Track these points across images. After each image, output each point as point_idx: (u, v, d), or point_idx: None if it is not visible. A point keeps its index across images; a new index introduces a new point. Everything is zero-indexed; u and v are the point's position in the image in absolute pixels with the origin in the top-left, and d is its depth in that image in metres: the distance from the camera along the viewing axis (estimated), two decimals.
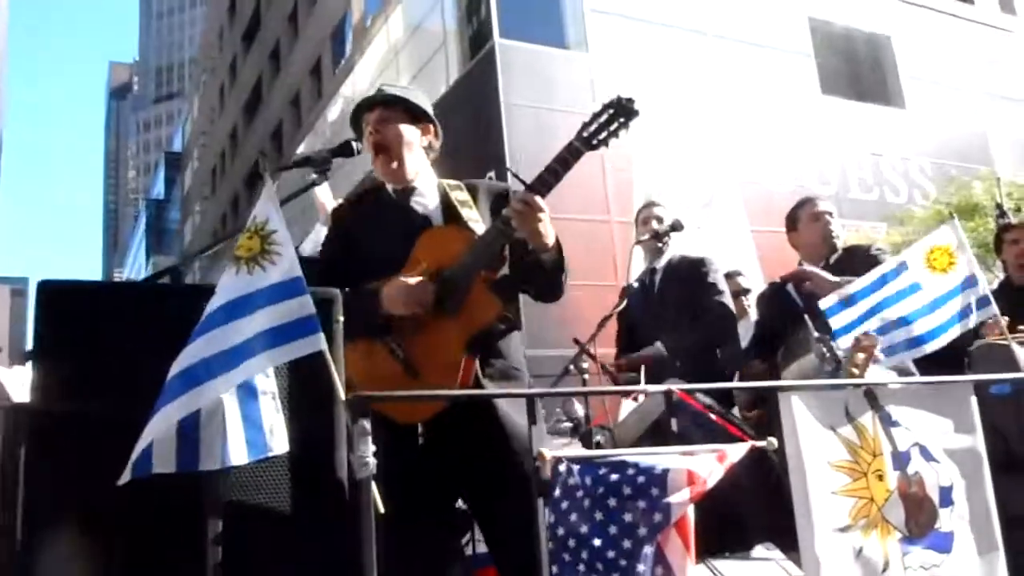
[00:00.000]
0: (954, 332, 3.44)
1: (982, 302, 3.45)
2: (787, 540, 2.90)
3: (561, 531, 2.20)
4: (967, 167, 17.86)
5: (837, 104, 18.28)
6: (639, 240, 4.66)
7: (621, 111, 2.44)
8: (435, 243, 2.54)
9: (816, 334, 3.22)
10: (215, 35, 41.41)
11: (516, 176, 2.54)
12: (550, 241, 2.47)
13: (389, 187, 2.69)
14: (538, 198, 2.38)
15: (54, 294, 1.79)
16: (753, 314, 5.27)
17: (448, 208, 2.62)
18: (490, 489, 2.43)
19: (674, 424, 3.20)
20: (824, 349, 3.14)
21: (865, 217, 16.42)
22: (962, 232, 3.57)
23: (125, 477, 1.63)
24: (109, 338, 1.79)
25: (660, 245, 4.54)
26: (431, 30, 17.37)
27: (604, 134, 2.45)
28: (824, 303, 3.43)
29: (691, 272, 4.41)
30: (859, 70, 19.49)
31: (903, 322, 3.39)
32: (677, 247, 4.61)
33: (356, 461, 2.00)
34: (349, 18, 22.61)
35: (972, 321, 3.48)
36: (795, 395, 2.52)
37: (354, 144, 2.47)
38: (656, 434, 3.10)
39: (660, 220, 4.57)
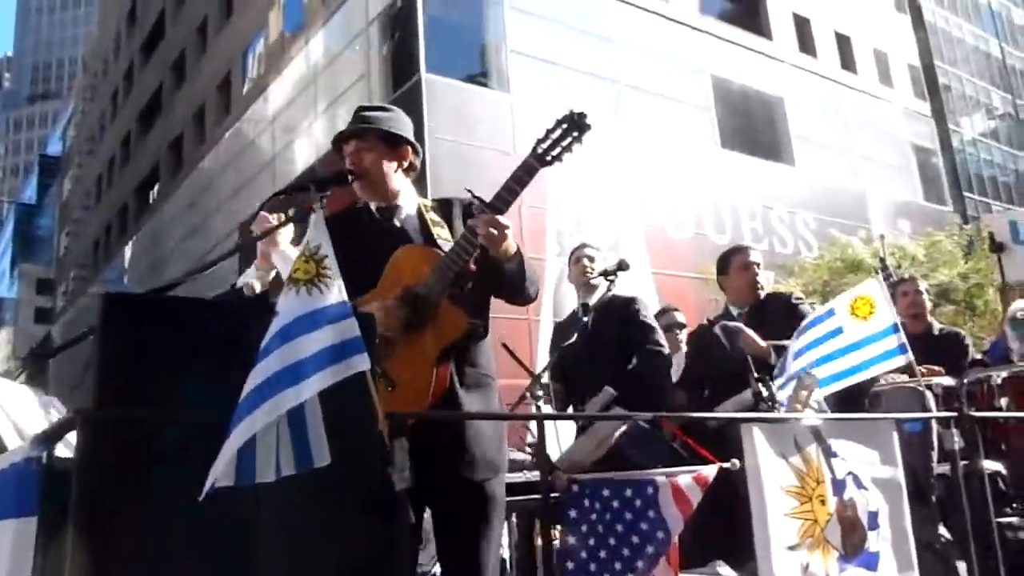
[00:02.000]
0: (871, 372, 3.81)
1: (901, 348, 3.78)
2: (738, 557, 3.22)
3: (579, 550, 2.47)
4: (847, 224, 19.33)
5: (734, 158, 19.49)
6: (588, 279, 4.60)
7: (574, 126, 2.49)
8: (406, 262, 2.60)
9: (756, 374, 3.53)
10: (110, 39, 39.88)
11: (476, 197, 2.60)
12: (512, 251, 2.56)
13: (372, 205, 2.73)
14: (499, 217, 2.48)
15: (117, 306, 1.86)
16: (684, 349, 5.44)
17: (424, 227, 2.71)
18: (448, 503, 2.50)
19: (628, 448, 3.54)
20: (762, 388, 3.48)
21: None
22: (885, 286, 3.96)
23: (208, 488, 1.68)
24: (168, 349, 1.85)
25: (600, 283, 4.50)
26: (353, 57, 17.49)
27: (558, 150, 2.49)
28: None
29: (623, 311, 4.50)
30: (754, 127, 20.82)
31: (825, 360, 3.74)
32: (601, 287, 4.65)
33: (396, 475, 2.09)
34: (265, 36, 22.37)
35: (890, 365, 3.84)
36: (755, 426, 2.82)
37: (342, 174, 2.46)
38: (611, 459, 3.40)
39: (592, 259, 4.66)
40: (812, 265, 14.78)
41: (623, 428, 3.51)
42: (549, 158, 2.48)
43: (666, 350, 4.55)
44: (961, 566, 3.52)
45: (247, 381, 1.76)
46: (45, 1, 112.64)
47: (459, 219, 2.72)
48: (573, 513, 2.65)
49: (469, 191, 2.68)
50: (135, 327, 1.83)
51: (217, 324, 1.96)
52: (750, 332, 4.03)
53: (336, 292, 1.91)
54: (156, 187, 31.09)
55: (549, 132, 2.50)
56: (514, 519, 3.63)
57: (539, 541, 3.72)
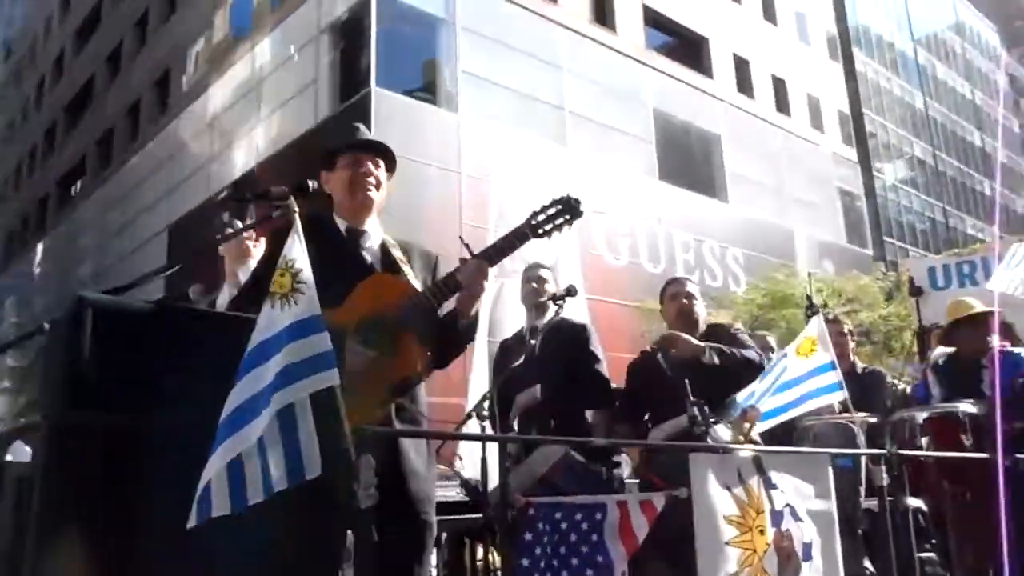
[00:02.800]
0: (809, 406, 3.94)
1: (838, 385, 3.96)
2: None
3: (531, 573, 2.53)
4: (774, 260, 19.99)
5: (670, 190, 19.97)
6: (540, 300, 4.52)
7: (568, 209, 2.69)
8: (376, 289, 2.63)
9: (692, 398, 3.49)
10: (40, 23, 38.56)
11: (466, 246, 2.72)
12: (473, 311, 2.68)
13: (342, 224, 2.74)
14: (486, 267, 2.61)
15: (99, 311, 1.81)
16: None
17: (387, 259, 2.76)
18: (383, 522, 2.49)
19: (562, 482, 3.54)
20: (697, 412, 3.45)
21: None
22: (824, 325, 4.13)
23: (192, 521, 1.65)
24: (147, 357, 1.85)
25: (549, 305, 4.39)
26: (301, 64, 17.35)
27: (550, 226, 2.66)
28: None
29: (572, 337, 4.47)
30: (692, 162, 21.40)
31: (766, 394, 3.84)
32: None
33: (361, 492, 2.12)
34: (208, 37, 21.98)
35: (827, 400, 4.01)
36: (701, 456, 2.94)
37: (310, 184, 2.36)
38: (543, 487, 3.35)
39: (544, 281, 4.64)
40: (742, 299, 15.25)
41: (556, 460, 3.48)
42: (541, 231, 2.64)
43: (607, 374, 4.54)
44: None
45: (228, 400, 1.76)
46: None
47: (416, 265, 2.79)
48: (528, 536, 2.69)
49: (460, 238, 2.84)
50: (108, 330, 1.79)
51: (188, 330, 1.96)
52: (683, 335, 4.07)
53: (305, 306, 1.91)
54: (80, 181, 30.09)
55: (545, 208, 2.68)
56: (443, 538, 3.65)
57: (471, 559, 3.77)
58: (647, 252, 18.69)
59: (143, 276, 2.30)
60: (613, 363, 4.67)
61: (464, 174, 14.93)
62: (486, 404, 3.76)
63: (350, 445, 1.97)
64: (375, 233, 2.77)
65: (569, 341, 4.41)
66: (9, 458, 2.00)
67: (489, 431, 4.14)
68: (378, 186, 2.74)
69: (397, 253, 2.76)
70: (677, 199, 20.00)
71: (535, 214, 2.68)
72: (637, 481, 4.27)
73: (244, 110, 19.25)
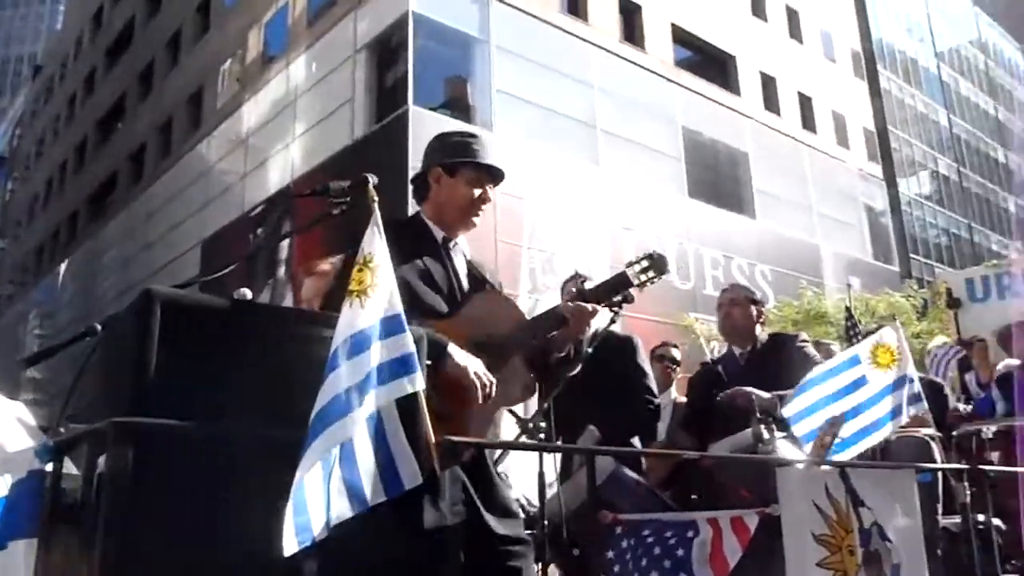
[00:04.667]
0: (888, 428, 3.76)
1: (915, 399, 3.78)
2: None
3: None
4: (802, 277, 20.00)
5: (699, 207, 20.04)
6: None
7: (657, 264, 2.77)
8: (490, 305, 2.60)
9: (758, 415, 3.47)
10: (71, 40, 39.13)
11: (581, 282, 2.93)
12: (566, 348, 2.74)
13: (436, 231, 2.67)
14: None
15: (168, 306, 1.65)
16: (674, 388, 5.45)
17: (473, 277, 2.73)
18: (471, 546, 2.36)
19: (613, 496, 3.47)
20: (763, 429, 3.42)
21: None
22: (903, 333, 3.94)
23: (290, 548, 1.52)
24: (219, 357, 1.70)
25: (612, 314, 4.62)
26: (338, 83, 17.59)
27: (644, 278, 2.75)
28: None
29: (620, 351, 4.36)
30: (720, 179, 21.46)
31: (853, 413, 3.63)
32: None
33: (447, 508, 2.00)
34: (242, 55, 22.31)
35: (904, 417, 3.81)
36: (792, 469, 2.91)
37: (370, 179, 2.20)
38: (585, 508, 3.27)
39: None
40: (776, 317, 15.27)
41: (607, 475, 3.36)
42: (636, 282, 2.73)
43: (657, 404, 4.48)
44: None
45: (314, 407, 1.64)
46: None
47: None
48: (611, 554, 2.62)
49: (576, 272, 2.89)
50: (177, 327, 1.64)
51: (262, 332, 1.80)
52: (748, 388, 3.90)
53: (389, 303, 1.79)
54: (111, 197, 30.46)
55: (640, 259, 2.76)
56: None
57: None
58: (676, 269, 18.73)
59: (205, 276, 2.18)
60: None
61: (499, 191, 15.01)
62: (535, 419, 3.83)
63: (435, 456, 1.87)
64: (464, 248, 2.75)
65: (616, 357, 4.26)
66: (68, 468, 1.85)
67: None
68: (488, 201, 2.70)
69: (486, 274, 2.76)
70: (705, 216, 20.07)
71: (631, 264, 2.76)
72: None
73: (278, 128, 19.49)
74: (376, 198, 1.97)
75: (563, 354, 2.73)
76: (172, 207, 23.95)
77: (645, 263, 2.75)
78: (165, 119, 26.28)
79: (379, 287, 1.78)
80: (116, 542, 1.48)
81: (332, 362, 1.67)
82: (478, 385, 2.32)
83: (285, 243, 17.00)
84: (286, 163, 18.98)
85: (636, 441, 4.34)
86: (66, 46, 40.20)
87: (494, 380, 2.38)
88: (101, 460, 1.63)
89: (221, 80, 23.45)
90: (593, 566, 2.76)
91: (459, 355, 2.33)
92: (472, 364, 2.34)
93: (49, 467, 1.75)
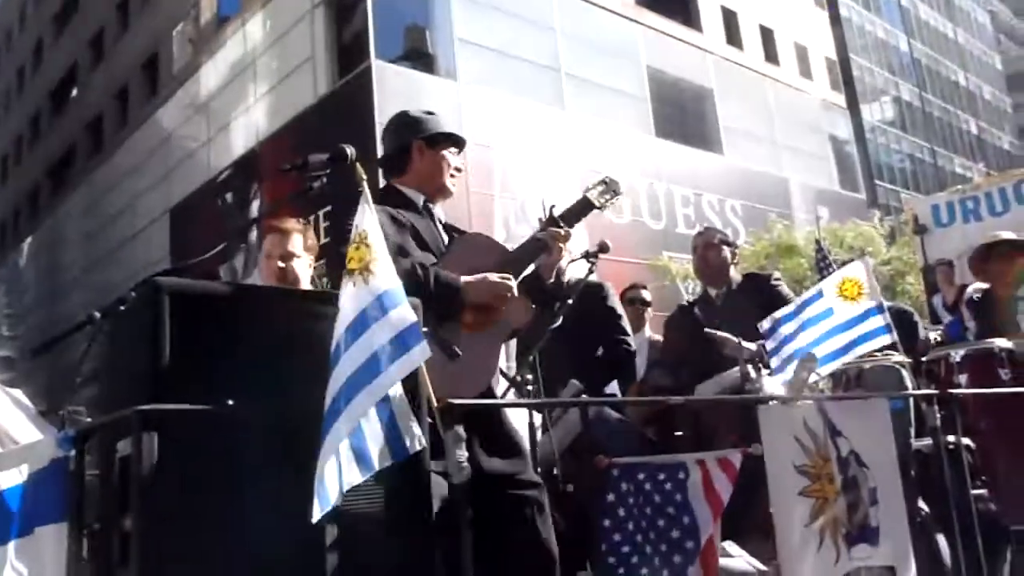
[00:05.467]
0: (860, 350, 3.92)
1: (887, 328, 3.96)
2: (746, 536, 3.29)
3: (613, 533, 2.52)
4: (771, 210, 20.21)
5: (667, 147, 20.09)
6: (571, 260, 4.75)
7: (611, 186, 2.95)
8: (472, 247, 2.72)
9: (746, 355, 3.60)
10: (14, 12, 37.91)
11: (551, 212, 2.88)
12: (554, 273, 2.91)
13: (417, 196, 2.79)
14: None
15: (176, 296, 1.70)
16: (647, 327, 5.55)
17: (451, 236, 2.86)
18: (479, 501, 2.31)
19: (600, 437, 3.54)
20: (751, 370, 3.60)
21: (689, 251, 18.19)
22: (870, 268, 4.10)
23: (317, 514, 1.59)
24: (230, 341, 1.75)
25: (565, 267, 4.69)
26: (297, 40, 17.28)
27: (603, 200, 2.92)
28: (762, 324, 3.85)
29: (593, 298, 4.39)
30: (686, 117, 21.47)
31: (819, 341, 3.82)
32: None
33: (452, 467, 2.03)
34: (196, 16, 21.76)
35: (876, 344, 3.97)
36: (770, 406, 2.99)
37: (347, 149, 2.24)
38: (576, 447, 3.33)
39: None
40: (749, 251, 15.47)
41: (591, 416, 3.42)
42: (598, 204, 2.89)
43: (633, 346, 4.56)
44: (940, 538, 3.62)
45: (329, 387, 1.69)
46: None
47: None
48: (611, 496, 2.65)
49: (543, 202, 2.97)
50: (187, 315, 1.69)
51: (265, 314, 1.86)
52: (732, 338, 3.97)
53: (388, 277, 1.82)
54: (71, 169, 29.87)
55: (596, 184, 2.94)
56: None
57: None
58: (648, 209, 18.88)
59: (203, 257, 2.20)
60: None
61: (467, 142, 14.97)
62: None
63: (438, 419, 1.97)
64: (440, 213, 2.86)
65: (590, 304, 4.30)
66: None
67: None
68: (458, 172, 2.88)
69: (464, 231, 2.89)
70: (674, 155, 20.13)
71: (589, 189, 2.91)
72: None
73: (239, 90, 19.16)
74: (365, 176, 2.00)
75: (553, 281, 2.86)
76: (134, 177, 23.56)
77: (601, 187, 2.92)
78: (120, 87, 25.72)
79: (377, 261, 1.81)
80: (150, 526, 1.55)
81: (342, 341, 1.72)
82: (504, 289, 2.54)
83: (254, 204, 16.91)
84: (249, 125, 18.71)
85: (615, 384, 4.46)
86: (8, 18, 38.88)
87: (512, 280, 2.57)
88: (120, 446, 1.70)
89: (175, 43, 22.90)
90: (592, 510, 2.77)
91: (476, 282, 2.53)
92: (485, 285, 2.53)
93: (72, 454, 1.81)
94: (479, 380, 2.55)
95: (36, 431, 2.38)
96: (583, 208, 2.87)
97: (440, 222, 2.81)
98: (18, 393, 2.57)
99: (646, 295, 5.78)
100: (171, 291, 1.70)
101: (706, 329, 4.11)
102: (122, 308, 1.85)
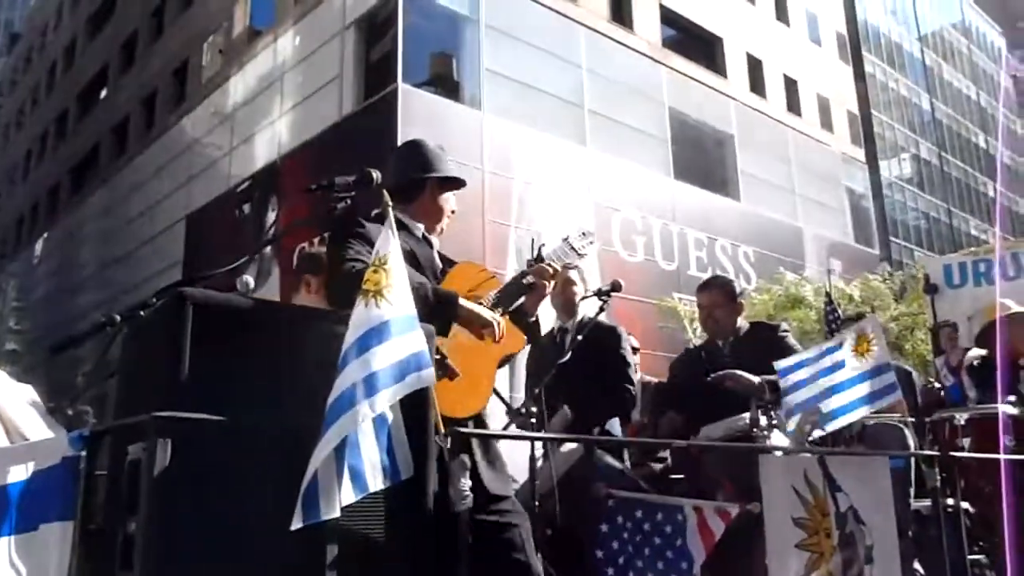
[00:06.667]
0: (868, 410, 3.87)
1: (890, 388, 3.86)
2: None
3: (605, 566, 2.62)
4: (784, 259, 20.21)
5: (685, 189, 20.16)
6: (578, 298, 4.56)
7: (589, 236, 3.10)
8: (465, 276, 2.80)
9: (760, 402, 3.61)
10: (51, 10, 38.53)
11: (540, 252, 3.00)
12: (536, 311, 2.96)
13: (420, 229, 2.86)
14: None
15: (202, 306, 1.75)
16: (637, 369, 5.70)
17: (443, 260, 2.99)
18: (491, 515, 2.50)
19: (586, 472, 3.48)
20: (761, 416, 3.59)
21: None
22: (879, 324, 4.17)
23: (297, 523, 1.62)
24: (250, 355, 1.80)
25: (578, 305, 4.52)
26: (326, 59, 17.51)
27: (583, 247, 3.06)
28: (779, 364, 3.79)
29: (604, 341, 4.44)
30: (705, 161, 21.58)
31: (828, 394, 3.75)
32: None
33: (455, 495, 2.07)
34: (228, 28, 22.09)
35: (883, 403, 3.91)
36: (772, 457, 3.06)
37: (373, 173, 2.31)
38: (565, 485, 3.28)
39: (572, 283, 4.60)
40: (759, 300, 15.48)
41: (578, 457, 3.52)
42: (581, 251, 3.03)
43: (635, 391, 4.59)
44: None
45: (331, 395, 1.73)
46: None
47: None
48: (604, 527, 2.75)
49: (532, 240, 3.13)
50: (209, 326, 1.74)
51: (277, 329, 1.91)
52: (740, 372, 4.01)
53: (404, 302, 1.86)
54: (93, 169, 30.17)
55: (579, 233, 3.07)
56: None
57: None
58: (661, 249, 18.90)
59: (227, 267, 2.23)
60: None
61: (487, 171, 15.13)
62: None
63: (444, 445, 2.02)
64: (436, 243, 2.94)
65: (601, 346, 4.35)
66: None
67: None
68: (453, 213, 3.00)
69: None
70: (690, 197, 20.18)
71: (577, 237, 3.04)
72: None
73: (265, 103, 19.36)
74: (390, 201, 2.04)
75: (533, 318, 2.92)
76: (155, 181, 23.77)
77: (582, 235, 3.06)
78: (149, 92, 26.00)
79: (394, 288, 1.84)
80: (156, 530, 1.59)
81: (345, 357, 1.76)
82: (493, 324, 2.58)
83: (271, 217, 17.03)
84: (273, 139, 18.90)
85: (615, 423, 4.49)
86: (46, 15, 39.52)
87: (501, 320, 2.62)
88: (131, 449, 1.73)
89: (206, 53, 23.22)
90: (585, 538, 2.87)
91: (472, 309, 2.59)
92: (482, 315, 2.59)
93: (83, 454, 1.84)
94: (470, 398, 2.60)
95: (46, 428, 2.42)
96: (571, 251, 3.00)
97: (436, 252, 2.90)
98: (29, 389, 2.60)
99: (633, 341, 5.58)
100: (195, 302, 1.74)
101: (710, 377, 4.07)
102: (143, 313, 1.88)
